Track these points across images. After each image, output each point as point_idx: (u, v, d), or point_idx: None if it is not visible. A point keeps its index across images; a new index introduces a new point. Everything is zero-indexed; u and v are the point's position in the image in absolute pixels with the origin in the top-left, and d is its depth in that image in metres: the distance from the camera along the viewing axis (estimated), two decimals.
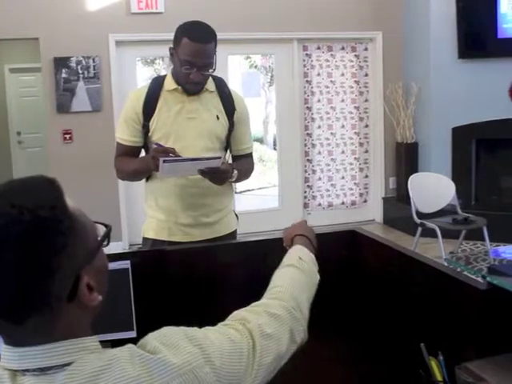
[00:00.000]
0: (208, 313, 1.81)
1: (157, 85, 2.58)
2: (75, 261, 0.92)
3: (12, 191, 0.92)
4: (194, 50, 2.40)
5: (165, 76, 2.63)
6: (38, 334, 0.91)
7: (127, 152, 2.62)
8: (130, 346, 0.99)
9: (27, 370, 0.90)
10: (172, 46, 2.49)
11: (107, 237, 1.00)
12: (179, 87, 2.56)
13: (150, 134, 2.55)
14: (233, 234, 2.73)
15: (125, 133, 2.60)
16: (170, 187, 2.56)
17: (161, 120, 2.54)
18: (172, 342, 1.00)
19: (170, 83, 2.58)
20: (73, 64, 6.02)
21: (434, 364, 1.43)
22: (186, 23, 2.48)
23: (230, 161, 2.73)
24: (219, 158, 2.42)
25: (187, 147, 2.52)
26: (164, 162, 2.31)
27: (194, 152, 2.50)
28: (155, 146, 2.47)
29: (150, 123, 2.54)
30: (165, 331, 1.04)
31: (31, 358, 0.90)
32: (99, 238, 0.99)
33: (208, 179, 2.45)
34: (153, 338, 1.01)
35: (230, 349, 1.06)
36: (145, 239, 2.69)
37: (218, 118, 2.61)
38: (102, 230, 1.01)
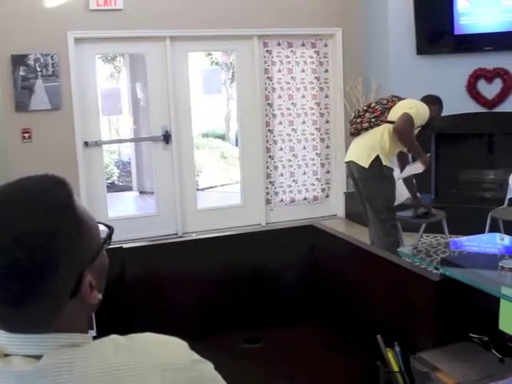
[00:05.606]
0: (169, 310, 1.82)
1: None
2: (79, 260, 0.96)
3: (24, 194, 0.95)
4: None
5: None
6: (39, 324, 0.94)
7: None
8: (114, 336, 0.99)
9: (17, 355, 0.93)
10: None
11: (109, 238, 1.05)
12: None
13: None
14: None
15: None
16: None
17: None
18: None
19: None
20: (31, 61, 5.93)
21: (390, 355, 1.46)
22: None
23: None
24: None
25: None
26: None
27: None
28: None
29: None
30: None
31: (22, 344, 0.94)
32: (102, 239, 1.03)
33: None
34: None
35: None
36: None
37: None
38: (104, 230, 1.05)
